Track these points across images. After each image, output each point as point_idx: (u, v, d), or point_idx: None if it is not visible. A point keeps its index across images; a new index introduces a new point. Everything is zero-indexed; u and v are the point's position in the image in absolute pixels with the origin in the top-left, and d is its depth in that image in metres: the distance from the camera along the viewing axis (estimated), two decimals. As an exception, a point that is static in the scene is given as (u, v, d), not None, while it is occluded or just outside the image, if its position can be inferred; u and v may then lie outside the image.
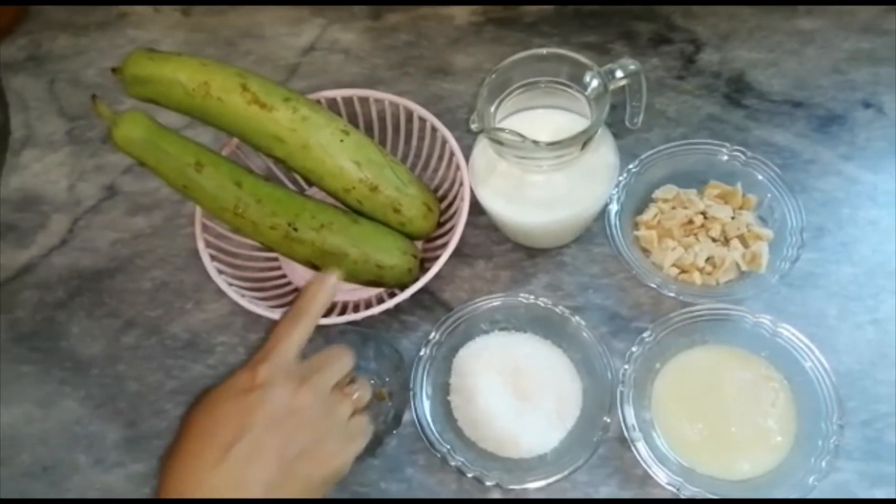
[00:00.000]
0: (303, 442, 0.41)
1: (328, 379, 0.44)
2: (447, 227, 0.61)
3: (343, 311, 0.59)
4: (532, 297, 0.57)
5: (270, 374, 0.42)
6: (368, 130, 0.64)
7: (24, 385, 0.61)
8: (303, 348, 0.44)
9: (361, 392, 0.46)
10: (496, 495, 0.54)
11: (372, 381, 0.58)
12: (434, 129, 0.61)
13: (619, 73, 0.53)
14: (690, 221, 0.59)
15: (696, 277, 0.57)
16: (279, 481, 0.40)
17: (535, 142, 0.49)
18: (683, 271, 0.58)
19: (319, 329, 0.55)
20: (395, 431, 0.55)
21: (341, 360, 0.46)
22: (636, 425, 0.52)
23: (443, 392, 0.56)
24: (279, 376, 0.42)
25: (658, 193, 0.61)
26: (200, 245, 0.58)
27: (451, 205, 0.62)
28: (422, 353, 0.56)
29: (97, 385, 0.61)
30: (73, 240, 0.67)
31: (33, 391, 0.61)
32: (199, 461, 0.39)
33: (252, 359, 0.43)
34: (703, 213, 0.60)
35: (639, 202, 0.61)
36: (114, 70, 0.54)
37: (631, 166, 0.60)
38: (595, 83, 0.52)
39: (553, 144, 0.50)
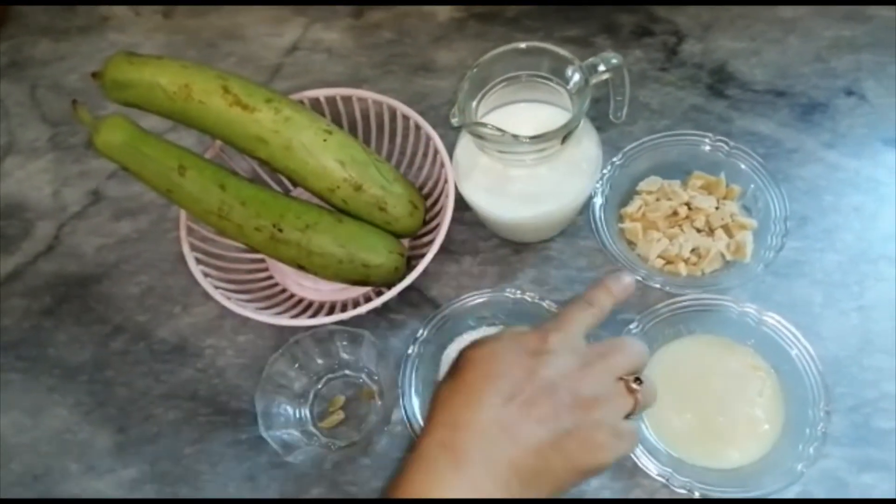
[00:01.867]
0: (575, 420, 0.40)
1: (615, 367, 0.43)
2: (433, 224, 0.61)
3: (331, 311, 0.59)
4: (519, 291, 0.57)
5: (559, 343, 0.42)
6: (352, 129, 0.64)
7: (12, 393, 0.61)
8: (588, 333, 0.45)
9: (647, 394, 0.43)
10: (487, 491, 0.54)
11: (361, 381, 0.59)
12: (418, 127, 0.61)
13: (601, 67, 0.53)
14: (675, 213, 0.59)
15: (682, 268, 0.58)
16: (548, 447, 0.40)
17: (514, 136, 0.49)
18: (669, 262, 0.58)
19: (307, 329, 0.56)
20: (384, 430, 0.55)
21: (633, 352, 0.44)
22: (625, 417, 0.52)
23: (432, 389, 0.56)
24: (567, 348, 0.42)
25: (642, 185, 0.61)
26: (186, 248, 0.58)
27: (436, 202, 0.62)
28: (410, 350, 0.56)
29: (86, 392, 0.61)
30: (59, 246, 0.67)
31: (22, 399, 0.61)
32: (480, 400, 0.40)
33: (542, 326, 0.43)
34: (688, 204, 0.60)
35: (623, 195, 0.61)
36: (94, 75, 0.54)
37: (615, 159, 0.61)
38: (577, 77, 0.52)
39: (533, 138, 0.50)
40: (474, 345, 0.43)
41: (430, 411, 0.41)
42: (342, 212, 0.58)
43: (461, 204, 0.58)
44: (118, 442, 0.59)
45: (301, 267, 0.58)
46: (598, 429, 0.41)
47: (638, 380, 0.43)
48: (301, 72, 0.73)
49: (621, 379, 0.43)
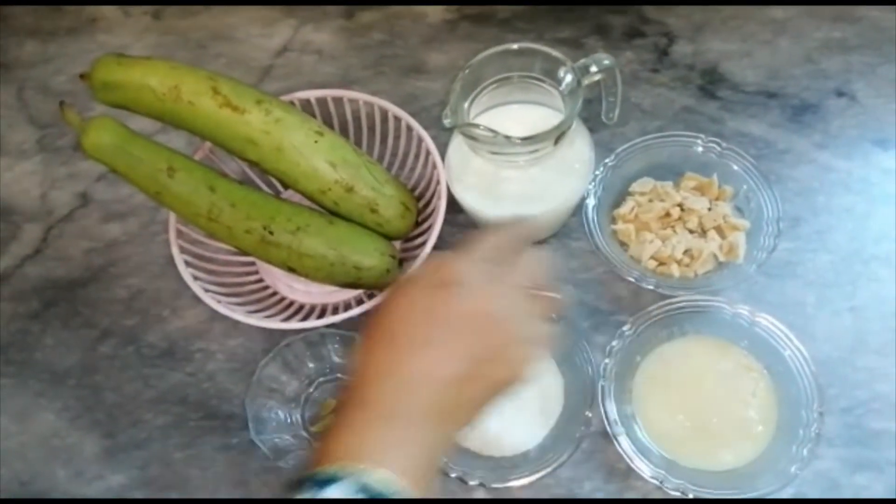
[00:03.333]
0: (492, 342, 0.41)
1: (523, 278, 0.44)
2: (425, 225, 0.61)
3: (322, 314, 0.58)
4: (511, 294, 0.56)
5: (465, 268, 0.42)
6: (343, 131, 0.63)
7: (-1, 398, 0.60)
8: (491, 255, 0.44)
9: (556, 298, 0.45)
10: (480, 495, 0.54)
11: (353, 384, 0.58)
12: (409, 128, 0.61)
13: (593, 68, 0.53)
14: (667, 214, 0.59)
15: (675, 269, 0.58)
16: (466, 378, 0.40)
17: (507, 137, 0.49)
18: (661, 264, 0.58)
19: (299, 332, 0.56)
20: (377, 433, 0.54)
21: (539, 263, 0.45)
22: (618, 419, 0.52)
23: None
24: (473, 272, 0.42)
25: (635, 187, 0.61)
26: (175, 251, 0.57)
27: (428, 203, 0.61)
28: (402, 353, 0.55)
29: (74, 396, 0.60)
30: (47, 249, 0.66)
31: (9, 404, 0.60)
32: (396, 347, 0.40)
33: (451, 254, 0.43)
34: (680, 206, 0.60)
35: (616, 196, 0.61)
36: (82, 76, 0.53)
37: (607, 160, 0.60)
38: (569, 78, 0.52)
39: (526, 139, 0.49)
40: (391, 294, 0.43)
41: (356, 365, 0.42)
42: (333, 214, 0.58)
43: (453, 205, 0.58)
44: (106, 447, 0.58)
45: (292, 269, 0.57)
46: (517, 343, 0.42)
47: (543, 287, 0.44)
48: (292, 73, 0.72)
49: (530, 289, 0.44)
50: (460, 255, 0.43)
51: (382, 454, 0.37)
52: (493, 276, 0.43)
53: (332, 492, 0.35)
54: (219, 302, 0.56)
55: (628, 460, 0.51)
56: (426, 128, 0.60)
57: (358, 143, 0.63)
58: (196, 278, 0.57)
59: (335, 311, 0.59)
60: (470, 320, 0.41)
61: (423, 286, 0.42)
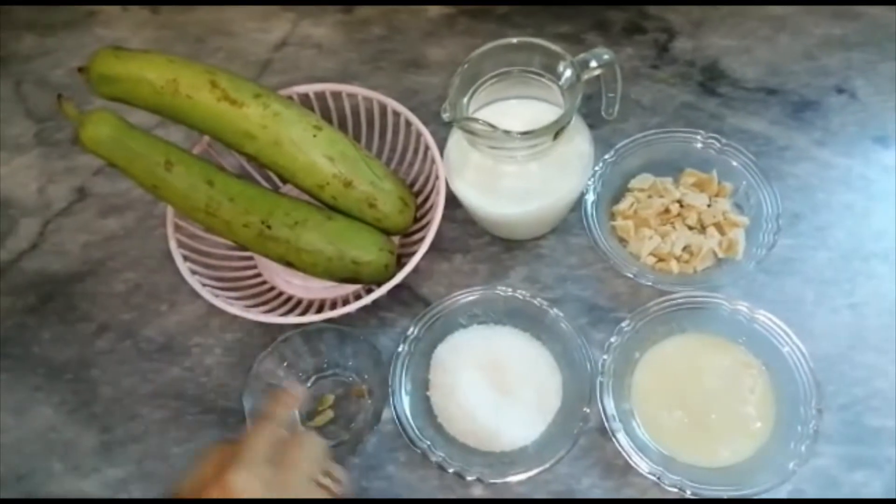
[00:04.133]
0: None
1: (308, 473, 0.43)
2: (424, 221, 0.61)
3: (320, 309, 0.58)
4: (510, 289, 0.56)
5: (241, 483, 0.39)
6: (342, 125, 0.63)
7: (-4, 392, 0.60)
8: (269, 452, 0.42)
9: (345, 486, 0.45)
10: (478, 490, 0.54)
11: (350, 379, 0.58)
12: (408, 123, 0.61)
13: (592, 63, 0.52)
14: (667, 210, 0.59)
15: (674, 266, 0.57)
16: None
17: (506, 131, 0.49)
18: (661, 260, 0.58)
19: (296, 327, 0.55)
20: (374, 429, 0.54)
21: (313, 450, 0.44)
22: (616, 416, 0.52)
23: (422, 388, 0.56)
24: (249, 484, 0.39)
25: (634, 183, 0.61)
26: (173, 245, 0.57)
27: (427, 199, 0.61)
28: (400, 349, 0.55)
29: (71, 391, 0.60)
30: (44, 244, 0.66)
31: (6, 399, 0.60)
32: None
33: (223, 468, 0.40)
34: (679, 202, 0.59)
35: (615, 192, 0.61)
36: (80, 69, 0.53)
37: (606, 156, 0.60)
38: (568, 73, 0.52)
39: (525, 134, 0.49)
40: None
41: None
42: (332, 208, 0.58)
43: (452, 201, 0.58)
44: (103, 441, 0.58)
45: (290, 264, 0.57)
46: None
47: (331, 477, 0.45)
48: (290, 67, 0.72)
49: (319, 484, 0.43)
50: (233, 464, 0.40)
51: None
52: (272, 482, 0.40)
53: None
54: (216, 296, 0.55)
55: (626, 456, 0.51)
56: (425, 123, 0.60)
57: (356, 138, 0.63)
58: (194, 272, 0.56)
59: (333, 306, 0.59)
60: None
61: None
